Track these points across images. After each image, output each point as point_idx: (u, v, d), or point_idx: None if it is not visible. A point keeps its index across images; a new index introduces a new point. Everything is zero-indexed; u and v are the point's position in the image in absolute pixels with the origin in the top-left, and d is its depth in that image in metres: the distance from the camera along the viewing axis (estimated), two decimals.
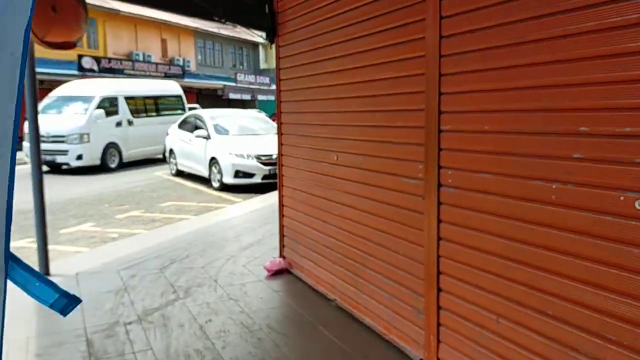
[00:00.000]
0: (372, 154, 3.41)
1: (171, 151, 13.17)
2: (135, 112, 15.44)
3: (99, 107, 14.15)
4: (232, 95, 39.48)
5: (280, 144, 4.88)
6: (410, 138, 2.97)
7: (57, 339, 3.38)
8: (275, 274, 4.69)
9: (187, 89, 36.72)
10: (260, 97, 43.43)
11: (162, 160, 15.29)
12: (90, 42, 30.40)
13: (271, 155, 10.57)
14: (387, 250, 3.26)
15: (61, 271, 4.75)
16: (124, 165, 14.70)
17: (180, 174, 12.77)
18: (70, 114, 14.00)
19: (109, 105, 14.54)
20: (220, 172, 10.59)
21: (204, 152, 11.25)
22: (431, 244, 2.80)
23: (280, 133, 4.86)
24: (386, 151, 3.25)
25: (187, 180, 12.03)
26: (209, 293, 4.21)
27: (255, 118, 13.13)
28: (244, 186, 10.50)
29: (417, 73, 2.87)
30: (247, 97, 41.41)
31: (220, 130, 11.47)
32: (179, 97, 18.29)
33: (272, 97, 45.10)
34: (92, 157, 13.80)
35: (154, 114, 16.41)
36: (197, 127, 11.94)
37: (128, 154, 14.91)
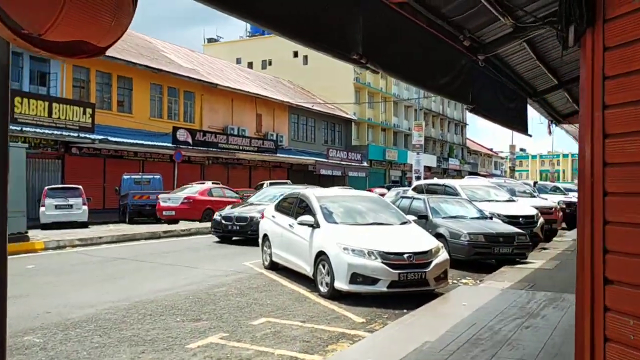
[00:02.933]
0: None
1: (265, 237, 10.61)
2: None
3: None
4: (323, 171, 37.73)
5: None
6: None
7: None
8: None
9: (278, 164, 35.63)
10: (350, 174, 41.42)
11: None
12: (186, 115, 30.11)
13: (402, 254, 7.60)
14: None
15: None
16: None
17: (274, 266, 10.12)
18: None
19: None
20: (330, 273, 7.74)
21: (308, 244, 8.54)
22: None
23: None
24: None
25: (284, 278, 9.31)
26: None
27: (376, 202, 10.01)
28: (364, 295, 7.58)
29: None
30: (337, 173, 39.53)
31: (331, 217, 8.74)
32: None
33: (362, 174, 42.98)
34: None
35: None
36: (299, 210, 9.36)
37: None
